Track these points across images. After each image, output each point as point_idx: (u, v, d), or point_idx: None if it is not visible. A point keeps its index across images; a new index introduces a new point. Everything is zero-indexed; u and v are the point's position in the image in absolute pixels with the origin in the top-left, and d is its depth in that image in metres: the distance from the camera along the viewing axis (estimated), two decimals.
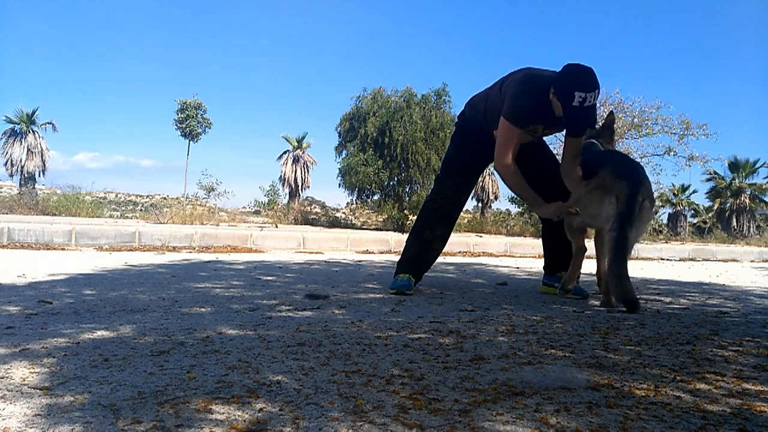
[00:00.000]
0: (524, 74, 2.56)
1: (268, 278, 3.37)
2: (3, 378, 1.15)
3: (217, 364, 1.30)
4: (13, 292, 2.48)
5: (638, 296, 2.99)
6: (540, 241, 3.20)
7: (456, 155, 2.98)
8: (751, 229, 24.96)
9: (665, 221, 25.91)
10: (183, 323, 1.82)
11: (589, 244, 2.68)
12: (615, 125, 2.90)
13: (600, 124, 2.83)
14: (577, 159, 2.54)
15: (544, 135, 2.81)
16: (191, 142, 19.95)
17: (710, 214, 27.32)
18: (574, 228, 2.59)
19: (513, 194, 14.91)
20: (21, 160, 22.86)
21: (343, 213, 18.04)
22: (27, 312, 1.96)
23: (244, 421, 0.94)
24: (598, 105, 2.56)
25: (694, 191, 29.73)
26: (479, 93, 2.85)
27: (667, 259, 8.56)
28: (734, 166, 25.77)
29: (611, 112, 3.05)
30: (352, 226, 13.42)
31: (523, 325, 1.94)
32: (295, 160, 27.13)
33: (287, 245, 6.94)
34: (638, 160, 14.59)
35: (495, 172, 2.75)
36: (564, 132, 2.65)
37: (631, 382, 1.22)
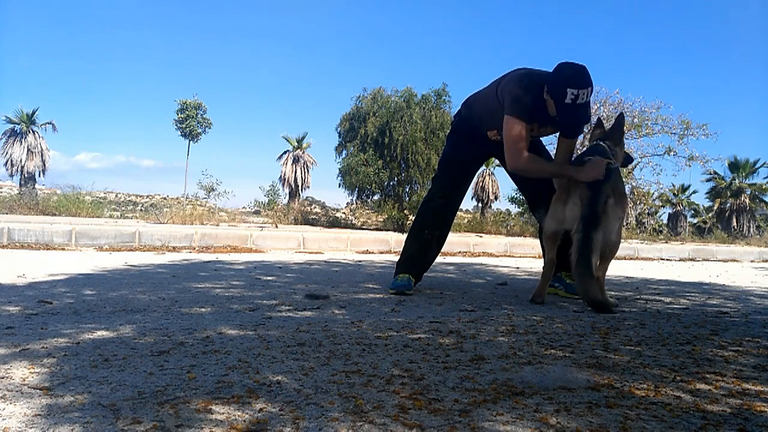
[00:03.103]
0: (521, 73, 2.57)
1: (268, 278, 3.37)
2: (3, 378, 1.15)
3: (217, 364, 1.30)
4: (13, 292, 2.48)
5: (638, 296, 3.00)
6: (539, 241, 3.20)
7: (452, 155, 2.99)
8: (751, 229, 24.98)
9: (665, 221, 25.95)
10: (183, 323, 1.82)
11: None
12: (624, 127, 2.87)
13: (609, 125, 2.81)
14: (568, 160, 2.57)
15: (540, 135, 2.81)
16: (191, 142, 19.98)
17: (710, 214, 27.33)
18: (548, 235, 2.58)
19: (513, 194, 14.96)
20: (21, 160, 22.86)
21: (343, 213, 18.05)
22: (27, 312, 1.96)
23: (244, 421, 0.94)
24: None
25: (694, 191, 29.82)
26: (475, 93, 2.86)
27: (667, 259, 8.55)
28: (734, 166, 25.79)
29: (621, 114, 3.01)
30: (352, 226, 13.43)
31: (523, 325, 1.94)
32: (295, 160, 27.13)
33: (287, 245, 6.94)
34: (638, 160, 14.59)
35: (502, 172, 2.73)
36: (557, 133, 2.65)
37: (631, 382, 1.22)
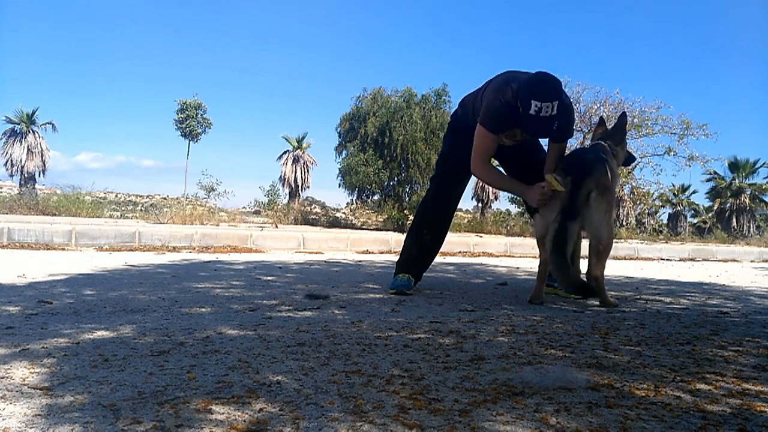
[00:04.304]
0: (502, 79, 2.58)
1: (268, 278, 3.37)
2: (3, 378, 1.15)
3: (217, 364, 1.30)
4: (13, 292, 2.48)
5: (638, 296, 3.00)
6: None
7: (449, 155, 2.99)
8: (751, 229, 24.97)
9: (665, 221, 25.95)
10: (183, 323, 1.82)
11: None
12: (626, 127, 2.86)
13: (611, 124, 2.81)
14: (558, 161, 2.59)
15: (524, 139, 2.80)
16: (191, 142, 19.97)
17: (710, 214, 27.31)
18: (541, 235, 2.58)
19: (513, 194, 14.98)
20: (21, 160, 22.85)
21: (343, 213, 18.04)
22: (27, 312, 1.96)
23: (244, 421, 0.94)
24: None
25: (694, 191, 29.80)
26: (470, 93, 2.87)
27: (667, 259, 8.55)
28: (734, 166, 25.78)
29: (623, 113, 3.00)
30: (352, 226, 13.42)
31: (523, 325, 1.94)
32: (295, 160, 27.11)
33: (287, 245, 6.94)
34: (638, 160, 14.60)
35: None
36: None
37: (631, 382, 1.22)
